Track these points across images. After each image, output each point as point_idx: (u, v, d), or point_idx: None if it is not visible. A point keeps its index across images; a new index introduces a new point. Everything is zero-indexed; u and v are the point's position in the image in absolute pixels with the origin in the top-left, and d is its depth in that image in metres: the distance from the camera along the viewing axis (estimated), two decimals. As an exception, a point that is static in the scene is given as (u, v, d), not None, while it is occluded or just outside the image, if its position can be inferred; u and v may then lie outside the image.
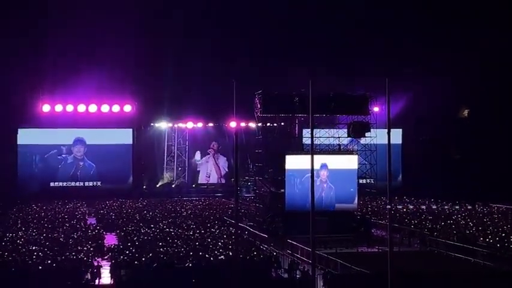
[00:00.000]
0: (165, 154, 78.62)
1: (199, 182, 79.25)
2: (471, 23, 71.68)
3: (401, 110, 71.07)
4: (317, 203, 42.98)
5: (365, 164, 49.80)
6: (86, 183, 73.40)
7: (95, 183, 73.56)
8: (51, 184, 72.51)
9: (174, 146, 78.80)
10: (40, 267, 31.73)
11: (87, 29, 72.01)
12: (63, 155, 73.18)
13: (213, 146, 79.27)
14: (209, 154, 79.42)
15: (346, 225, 45.76)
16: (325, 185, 46.79)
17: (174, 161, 78.83)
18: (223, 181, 79.17)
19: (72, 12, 71.25)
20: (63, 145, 73.22)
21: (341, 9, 74.00)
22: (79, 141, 73.42)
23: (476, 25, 71.33)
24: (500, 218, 50.27)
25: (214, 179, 79.59)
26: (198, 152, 79.24)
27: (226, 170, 79.22)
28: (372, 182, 51.61)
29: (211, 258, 33.91)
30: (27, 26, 71.31)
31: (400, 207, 59.06)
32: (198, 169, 79.42)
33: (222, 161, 79.49)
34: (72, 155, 73.47)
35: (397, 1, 73.55)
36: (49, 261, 32.62)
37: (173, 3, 73.86)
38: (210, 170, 79.58)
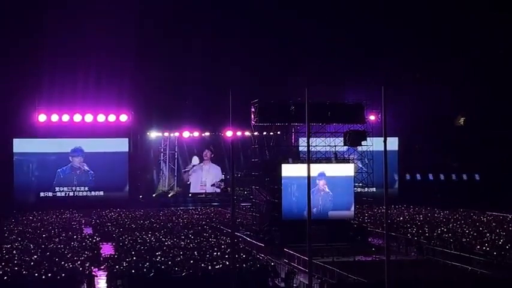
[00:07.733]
0: (161, 164, 78.38)
1: (191, 191, 78.18)
2: (466, 28, 71.98)
3: (398, 118, 71.05)
4: (316, 212, 43.24)
5: (362, 172, 49.80)
6: (82, 193, 73.11)
7: (91, 193, 73.29)
8: (48, 194, 72.08)
9: (169, 155, 78.55)
10: (35, 277, 31.48)
11: (83, 38, 71.97)
12: (64, 168, 72.91)
13: (206, 154, 78.38)
14: (202, 162, 78.49)
15: (343, 234, 45.76)
16: (322, 193, 46.69)
17: (170, 171, 78.53)
18: (218, 190, 78.51)
19: (67, 22, 71.24)
20: (61, 154, 72.87)
21: (338, 17, 74.17)
22: (79, 150, 72.98)
23: (472, 31, 71.58)
24: (497, 226, 50.18)
25: (209, 187, 78.93)
26: (195, 157, 78.49)
27: (222, 177, 78.32)
28: (369, 190, 51.56)
29: (208, 268, 33.76)
30: (23, 35, 71.28)
31: (397, 215, 58.96)
32: (188, 182, 78.28)
33: (216, 170, 78.55)
34: (70, 165, 73.22)
35: (394, 9, 73.69)
36: (45, 271, 32.37)
37: (168, 11, 73.93)
38: (204, 178, 78.69)
